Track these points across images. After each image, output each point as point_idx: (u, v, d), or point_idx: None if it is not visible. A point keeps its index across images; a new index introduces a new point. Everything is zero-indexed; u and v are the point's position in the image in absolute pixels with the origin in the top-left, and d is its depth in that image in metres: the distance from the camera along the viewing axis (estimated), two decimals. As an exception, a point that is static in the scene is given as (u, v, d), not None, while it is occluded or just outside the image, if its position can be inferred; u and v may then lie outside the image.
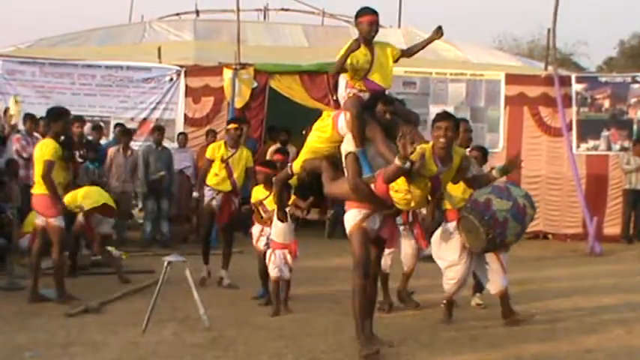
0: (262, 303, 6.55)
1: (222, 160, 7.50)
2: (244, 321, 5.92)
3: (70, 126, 9.84)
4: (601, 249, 10.45)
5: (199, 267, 7.37)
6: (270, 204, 6.31)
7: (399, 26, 14.68)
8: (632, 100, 11.81)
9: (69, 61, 11.37)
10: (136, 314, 5.82)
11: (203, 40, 13.28)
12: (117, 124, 10.91)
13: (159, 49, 11.45)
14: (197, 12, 15.50)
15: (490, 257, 5.86)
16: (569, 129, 11.57)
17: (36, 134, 9.36)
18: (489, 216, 5.35)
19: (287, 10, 15.81)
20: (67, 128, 6.90)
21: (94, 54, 11.92)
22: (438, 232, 5.95)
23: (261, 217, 6.61)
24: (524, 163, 10.80)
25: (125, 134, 10.47)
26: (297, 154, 5.55)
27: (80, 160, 9.78)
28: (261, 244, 6.58)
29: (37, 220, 6.69)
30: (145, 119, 11.31)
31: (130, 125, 10.96)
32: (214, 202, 7.55)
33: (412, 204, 4.88)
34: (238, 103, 11.21)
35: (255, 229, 6.73)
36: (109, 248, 8.75)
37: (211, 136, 10.64)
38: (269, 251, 6.31)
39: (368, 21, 5.04)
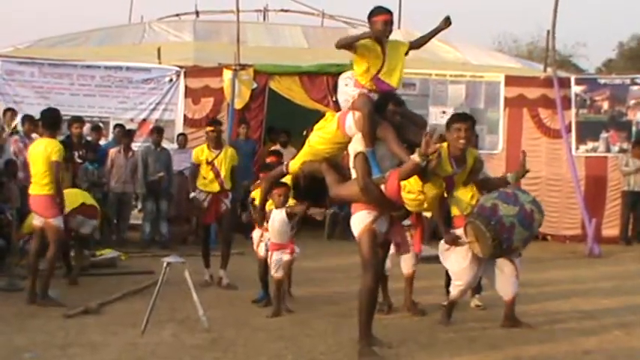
0: (262, 305, 6.54)
1: (208, 162, 7.56)
2: (244, 322, 5.91)
3: (69, 126, 9.88)
4: (600, 250, 10.45)
5: (198, 268, 7.36)
6: (270, 205, 6.29)
7: (399, 27, 14.68)
8: (631, 102, 11.82)
9: (68, 62, 11.36)
10: (135, 315, 5.82)
11: (203, 40, 13.29)
12: (116, 125, 10.89)
13: (158, 50, 11.45)
14: (197, 13, 15.49)
15: (503, 261, 5.78)
16: (569, 130, 11.57)
17: (34, 135, 9.34)
18: (496, 221, 5.29)
19: (287, 11, 15.83)
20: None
21: (94, 54, 11.92)
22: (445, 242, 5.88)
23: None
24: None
25: (125, 135, 10.47)
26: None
27: (79, 160, 9.80)
28: (261, 250, 6.52)
29: (34, 221, 6.68)
30: (144, 120, 11.30)
31: (130, 126, 10.95)
32: (206, 204, 7.60)
33: (424, 205, 4.83)
34: (238, 104, 11.21)
35: (256, 233, 6.69)
36: (107, 250, 8.77)
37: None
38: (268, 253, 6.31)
39: (383, 20, 4.93)
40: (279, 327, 5.78)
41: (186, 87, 11.34)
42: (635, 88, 11.85)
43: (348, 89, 5.10)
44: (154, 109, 11.33)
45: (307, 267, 7.67)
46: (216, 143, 7.68)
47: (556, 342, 5.46)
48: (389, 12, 5.00)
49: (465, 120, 4.86)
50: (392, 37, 5.09)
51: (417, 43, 5.35)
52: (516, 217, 5.29)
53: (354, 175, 4.99)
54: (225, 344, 5.22)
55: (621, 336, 5.67)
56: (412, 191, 4.71)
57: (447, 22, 5.28)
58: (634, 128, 11.73)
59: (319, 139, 5.13)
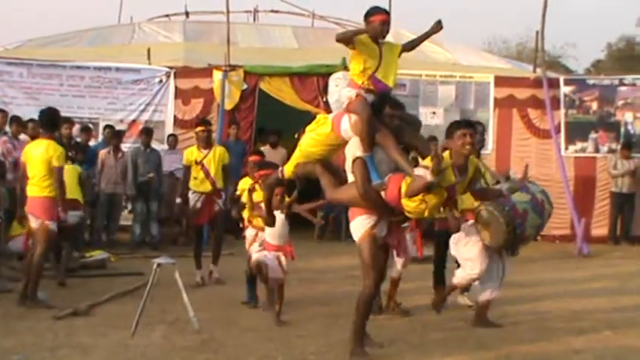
0: (252, 306, 6.52)
1: (197, 163, 7.60)
2: (234, 323, 5.90)
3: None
4: (589, 250, 10.52)
5: (189, 269, 7.34)
6: (259, 196, 6.18)
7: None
8: (620, 103, 11.90)
9: (57, 62, 11.31)
10: (125, 317, 5.79)
11: (193, 41, 13.27)
12: (106, 126, 10.86)
13: (148, 51, 11.42)
14: (187, 13, 15.46)
15: (495, 261, 5.76)
16: (558, 131, 11.65)
17: (22, 137, 9.27)
18: (509, 207, 5.35)
19: (277, 11, 15.82)
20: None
21: (83, 55, 11.86)
22: (459, 233, 5.86)
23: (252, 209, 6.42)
24: (512, 165, 10.92)
25: (115, 136, 10.43)
26: (288, 156, 5.44)
27: (69, 161, 9.73)
28: (253, 249, 6.41)
29: (32, 223, 6.60)
30: (134, 121, 11.26)
31: (119, 127, 10.91)
32: (199, 205, 7.58)
33: (426, 213, 4.81)
34: (228, 105, 11.20)
35: (250, 232, 6.63)
36: (97, 252, 8.72)
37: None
38: (255, 255, 6.19)
39: (380, 20, 4.88)
40: (270, 328, 5.77)
41: (176, 88, 11.32)
42: (623, 88, 11.93)
43: (341, 90, 5.02)
44: (143, 110, 11.30)
45: (297, 267, 7.66)
46: (206, 143, 7.70)
47: (545, 341, 5.48)
48: (386, 12, 4.97)
49: (470, 126, 4.92)
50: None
51: (409, 46, 5.35)
52: (529, 204, 5.38)
53: (350, 178, 4.94)
54: (216, 345, 5.21)
55: (610, 335, 5.70)
56: (414, 199, 4.68)
57: (438, 25, 5.27)
58: (622, 129, 11.82)
59: (311, 141, 5.05)
